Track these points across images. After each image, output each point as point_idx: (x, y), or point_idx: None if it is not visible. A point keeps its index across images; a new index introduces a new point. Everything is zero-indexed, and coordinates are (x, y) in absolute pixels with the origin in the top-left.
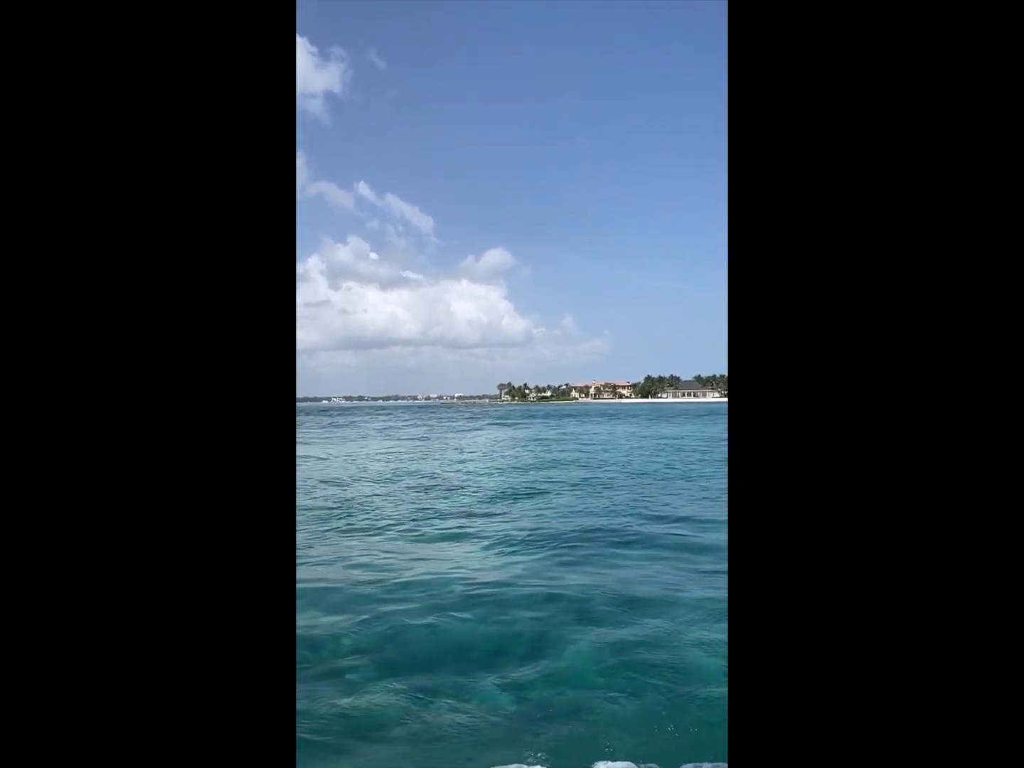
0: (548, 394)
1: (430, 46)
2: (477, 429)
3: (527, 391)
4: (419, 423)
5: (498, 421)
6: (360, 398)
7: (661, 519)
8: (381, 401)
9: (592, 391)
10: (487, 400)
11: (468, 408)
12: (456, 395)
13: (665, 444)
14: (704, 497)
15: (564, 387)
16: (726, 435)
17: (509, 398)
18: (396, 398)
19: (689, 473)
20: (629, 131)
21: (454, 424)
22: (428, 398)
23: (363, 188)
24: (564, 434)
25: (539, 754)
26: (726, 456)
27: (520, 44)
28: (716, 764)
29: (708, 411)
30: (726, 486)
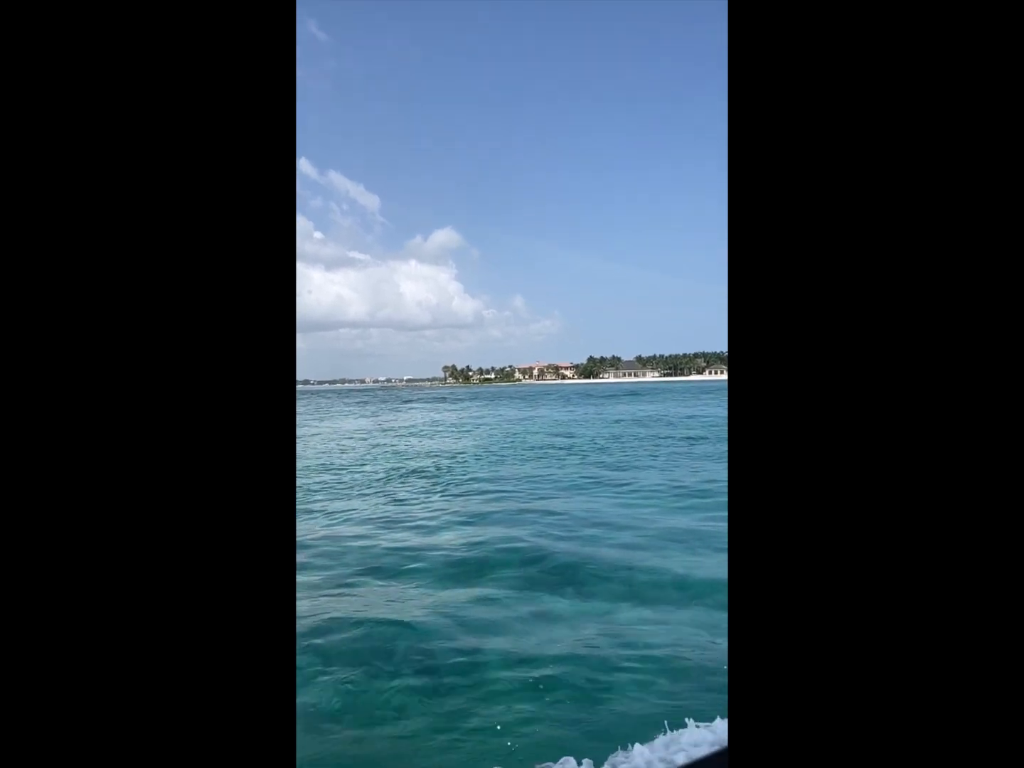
0: (492, 376)
1: (374, 15)
2: (363, 416)
3: (470, 373)
4: (329, 409)
5: (408, 406)
6: (306, 382)
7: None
8: (327, 385)
9: (536, 372)
10: (429, 383)
11: (403, 390)
12: (405, 378)
13: (536, 429)
14: (439, 490)
15: (508, 369)
16: (601, 416)
17: (453, 380)
18: (343, 382)
19: (502, 460)
20: (581, 104)
21: (355, 409)
22: (376, 381)
23: (304, 165)
24: (451, 419)
25: None
26: (569, 443)
27: (474, 8)
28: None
29: (628, 391)
30: (500, 479)
